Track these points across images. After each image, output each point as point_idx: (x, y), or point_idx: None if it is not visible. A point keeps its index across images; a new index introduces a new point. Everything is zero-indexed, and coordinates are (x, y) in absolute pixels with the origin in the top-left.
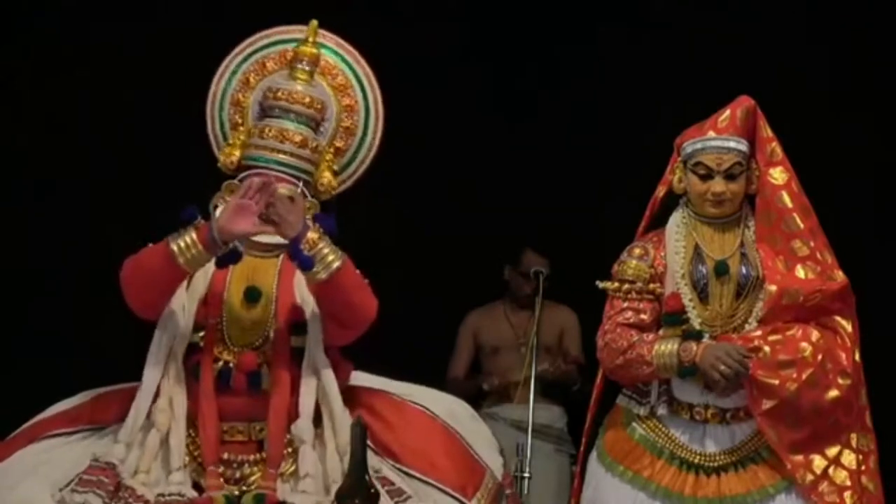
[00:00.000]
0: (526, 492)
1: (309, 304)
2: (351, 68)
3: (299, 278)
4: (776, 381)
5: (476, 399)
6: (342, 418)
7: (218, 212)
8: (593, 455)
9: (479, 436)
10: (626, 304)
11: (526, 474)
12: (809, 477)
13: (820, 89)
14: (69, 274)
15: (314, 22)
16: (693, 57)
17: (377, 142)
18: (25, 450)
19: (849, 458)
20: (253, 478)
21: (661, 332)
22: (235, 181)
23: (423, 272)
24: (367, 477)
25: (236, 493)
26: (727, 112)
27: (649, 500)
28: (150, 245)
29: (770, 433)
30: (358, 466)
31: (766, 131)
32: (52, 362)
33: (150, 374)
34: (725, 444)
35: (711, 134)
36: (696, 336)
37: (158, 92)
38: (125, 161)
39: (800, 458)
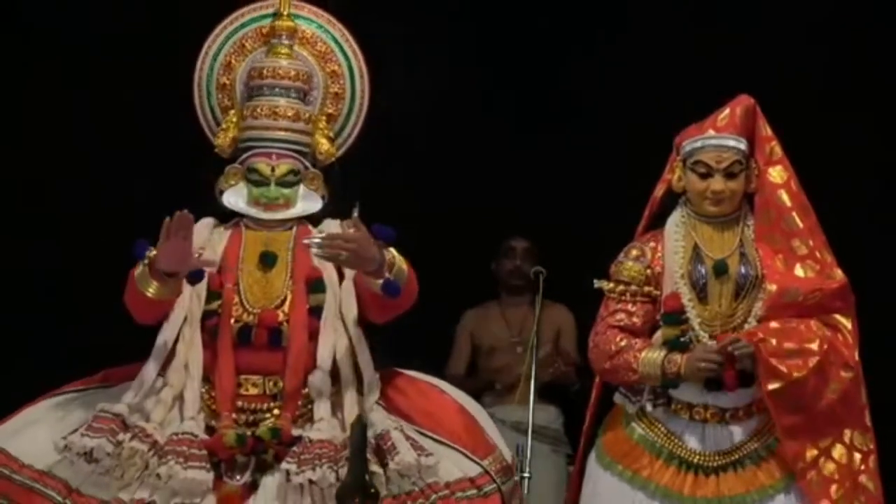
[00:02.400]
0: (526, 492)
1: (326, 266)
2: (329, 34)
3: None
4: (784, 368)
5: (476, 398)
6: (371, 374)
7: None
8: (592, 455)
9: (488, 427)
10: (618, 306)
11: (526, 474)
12: (800, 464)
13: (820, 89)
14: (69, 274)
15: None
16: (693, 57)
17: (367, 103)
18: (37, 404)
19: (839, 452)
20: (266, 418)
21: (660, 332)
22: (236, 164)
23: (421, 272)
24: (367, 477)
25: (248, 432)
26: (727, 111)
27: (648, 500)
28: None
29: (772, 414)
30: (358, 466)
31: (766, 130)
32: (50, 362)
33: (163, 338)
34: (724, 444)
35: (711, 132)
36: (682, 347)
37: (158, 92)
38: (125, 161)
39: (794, 443)
